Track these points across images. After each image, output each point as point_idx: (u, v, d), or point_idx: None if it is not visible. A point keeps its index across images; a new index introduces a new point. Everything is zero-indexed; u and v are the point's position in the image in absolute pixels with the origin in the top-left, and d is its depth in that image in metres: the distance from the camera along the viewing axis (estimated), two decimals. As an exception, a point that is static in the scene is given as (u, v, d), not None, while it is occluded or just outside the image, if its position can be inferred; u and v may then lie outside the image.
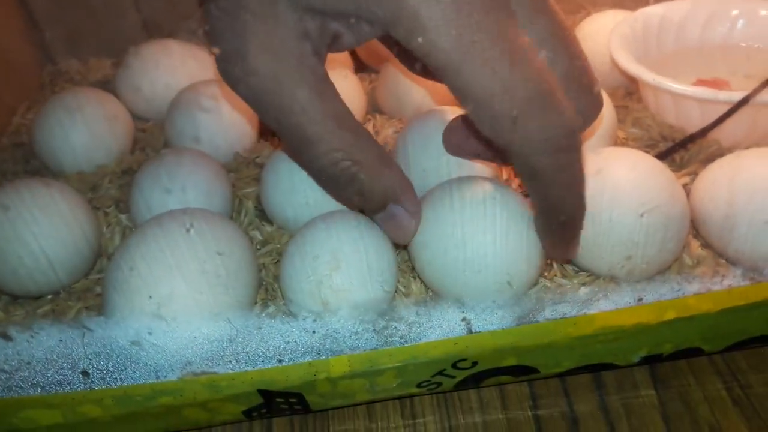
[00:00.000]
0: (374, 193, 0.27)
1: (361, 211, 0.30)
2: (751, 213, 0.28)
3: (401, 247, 0.31)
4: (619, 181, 0.29)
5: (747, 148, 0.34)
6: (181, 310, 0.26)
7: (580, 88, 0.26)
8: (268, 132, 0.43)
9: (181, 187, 0.33)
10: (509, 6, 0.23)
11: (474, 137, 0.30)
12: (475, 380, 0.29)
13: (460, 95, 0.23)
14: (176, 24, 0.53)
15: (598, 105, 0.27)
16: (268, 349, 0.26)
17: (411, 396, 0.31)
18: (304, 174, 0.33)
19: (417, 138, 0.33)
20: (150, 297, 0.26)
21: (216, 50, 0.25)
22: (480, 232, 0.27)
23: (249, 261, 0.29)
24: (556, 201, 0.26)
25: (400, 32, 0.23)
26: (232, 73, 0.25)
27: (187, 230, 0.27)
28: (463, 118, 0.31)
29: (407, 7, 0.22)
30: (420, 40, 0.23)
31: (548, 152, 0.24)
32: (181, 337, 0.26)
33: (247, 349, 0.26)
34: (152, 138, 0.44)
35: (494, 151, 0.30)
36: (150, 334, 0.26)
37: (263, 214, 0.36)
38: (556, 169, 0.25)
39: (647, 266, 0.29)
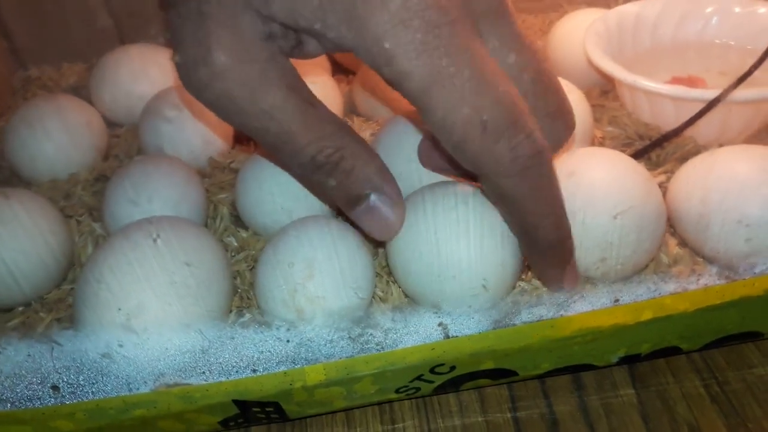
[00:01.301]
0: (354, 180, 0.26)
1: (339, 212, 0.30)
2: (725, 212, 0.28)
3: (380, 246, 0.31)
4: (593, 183, 0.28)
5: (722, 145, 0.34)
6: (151, 321, 0.26)
7: (552, 112, 0.26)
8: (243, 137, 0.43)
9: (150, 196, 0.33)
10: (475, 27, 0.23)
11: (443, 155, 0.30)
12: (454, 384, 0.29)
13: (428, 120, 0.23)
14: (150, 28, 0.53)
15: (569, 127, 0.27)
16: (242, 359, 0.26)
17: (390, 401, 0.30)
18: (279, 178, 0.33)
19: (391, 141, 0.33)
20: (119, 309, 0.25)
21: (177, 58, 0.24)
22: (454, 238, 0.27)
23: (220, 269, 0.29)
24: (531, 225, 0.26)
25: (367, 58, 0.23)
26: (196, 79, 0.24)
27: (154, 240, 0.27)
28: (432, 135, 0.31)
29: (372, 35, 0.22)
30: (386, 69, 0.22)
31: (516, 173, 0.24)
32: (153, 348, 0.25)
33: (221, 360, 0.26)
34: (126, 144, 0.43)
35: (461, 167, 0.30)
36: (120, 346, 0.25)
37: (239, 220, 0.36)
38: (525, 190, 0.24)
39: (622, 267, 0.29)
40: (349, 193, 0.27)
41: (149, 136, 0.40)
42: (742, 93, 0.33)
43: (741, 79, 0.33)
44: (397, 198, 0.28)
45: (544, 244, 0.27)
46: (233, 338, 0.26)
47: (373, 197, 0.27)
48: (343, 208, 0.28)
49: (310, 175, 0.26)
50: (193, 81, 0.24)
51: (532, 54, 0.25)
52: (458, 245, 0.27)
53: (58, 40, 0.53)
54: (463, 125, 0.23)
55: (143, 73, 0.45)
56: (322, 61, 0.47)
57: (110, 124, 0.45)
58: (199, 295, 0.27)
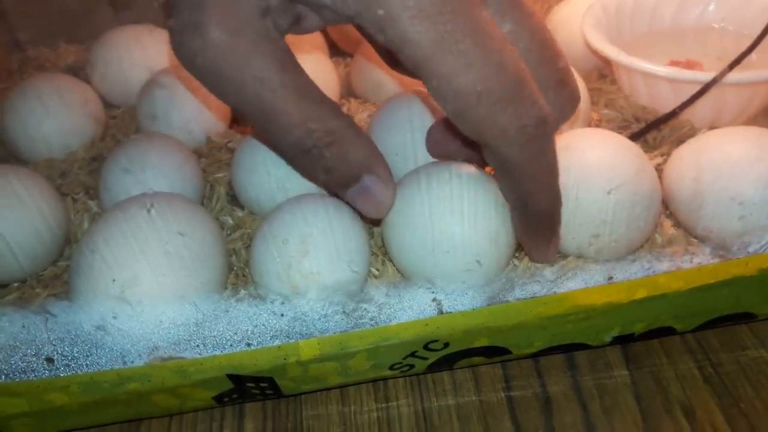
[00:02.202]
0: (347, 163, 0.26)
1: (332, 193, 0.30)
2: (718, 191, 0.28)
3: (374, 224, 0.31)
4: (586, 158, 0.29)
5: (718, 128, 0.34)
6: (146, 293, 0.26)
7: (555, 82, 0.25)
8: (240, 117, 0.43)
9: (147, 174, 0.33)
10: None
11: (454, 139, 0.30)
12: (448, 362, 0.29)
13: (430, 87, 0.23)
14: (148, 9, 0.52)
15: (574, 98, 0.27)
16: (236, 333, 0.26)
17: (384, 379, 0.31)
18: (274, 158, 0.33)
19: (387, 122, 0.33)
20: (113, 280, 0.26)
21: (171, 23, 0.24)
22: (447, 212, 0.27)
23: (214, 243, 0.29)
24: (528, 194, 0.26)
25: (368, 25, 0.22)
26: (188, 46, 0.24)
27: (148, 211, 0.27)
28: (444, 120, 0.31)
29: (375, 0, 0.22)
30: (389, 35, 0.22)
31: (520, 142, 0.24)
32: (147, 321, 0.25)
33: (215, 333, 0.26)
34: (124, 124, 0.43)
35: (476, 152, 0.30)
36: (115, 318, 0.25)
37: (235, 200, 0.36)
38: (527, 159, 0.24)
39: (616, 245, 0.29)
40: (340, 175, 0.27)
41: (146, 116, 0.40)
42: (737, 75, 0.33)
43: (736, 62, 0.33)
44: (388, 178, 0.28)
45: (537, 214, 0.27)
46: (227, 311, 0.26)
47: (365, 179, 0.27)
48: (336, 190, 0.28)
49: (300, 156, 0.26)
50: (184, 49, 0.24)
51: (533, 23, 0.25)
52: (452, 220, 0.27)
53: (56, 20, 0.53)
54: (467, 93, 0.22)
55: (140, 53, 0.45)
56: (320, 43, 0.47)
57: (108, 104, 0.45)
58: (192, 267, 0.27)
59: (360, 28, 0.24)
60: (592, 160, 0.28)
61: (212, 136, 0.40)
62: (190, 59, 0.24)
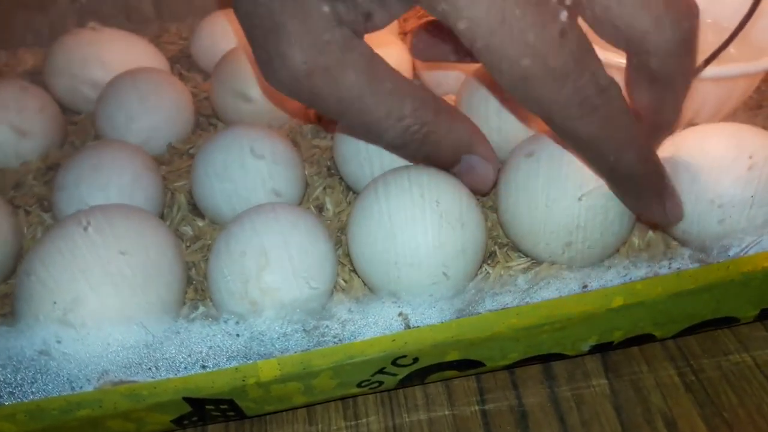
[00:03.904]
0: (446, 148, 0.28)
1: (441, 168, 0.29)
2: (696, 192, 0.27)
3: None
4: (554, 162, 0.27)
5: (696, 124, 0.33)
6: (90, 315, 0.24)
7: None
8: (206, 123, 0.41)
9: (101, 184, 0.31)
10: None
11: (442, 41, 0.30)
12: (419, 376, 0.28)
13: (490, 68, 0.23)
14: (111, 11, 0.51)
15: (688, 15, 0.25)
16: (190, 355, 0.24)
17: (353, 396, 0.29)
18: (233, 164, 0.31)
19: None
20: (54, 303, 0.24)
21: (255, 55, 0.25)
22: (409, 223, 0.26)
23: (165, 259, 0.27)
24: (613, 161, 0.25)
25: (431, 8, 0.22)
26: (279, 77, 0.25)
27: (84, 228, 0.25)
28: (429, 23, 0.31)
29: None
30: (451, 15, 0.22)
31: (586, 114, 0.23)
32: (93, 344, 0.24)
33: (167, 356, 0.24)
34: (83, 131, 0.42)
35: (463, 51, 0.30)
36: (59, 342, 0.24)
37: (197, 209, 0.34)
38: (598, 129, 0.23)
39: (590, 251, 0.28)
40: (440, 160, 0.28)
41: (105, 122, 0.38)
42: (713, 70, 0.32)
43: (712, 57, 0.31)
44: (488, 155, 0.29)
45: (632, 179, 0.26)
46: (178, 333, 0.24)
47: (465, 159, 0.28)
48: (443, 169, 0.29)
49: (400, 149, 0.28)
50: (276, 80, 0.25)
51: None
52: (414, 231, 0.25)
53: (16, 24, 0.51)
54: (525, 70, 0.22)
55: (99, 57, 0.43)
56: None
57: (69, 110, 0.44)
58: (139, 286, 0.25)
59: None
60: (560, 165, 0.27)
61: (174, 142, 0.38)
62: (285, 88, 0.25)
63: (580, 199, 0.26)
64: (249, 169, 0.31)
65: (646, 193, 0.26)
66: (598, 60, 0.23)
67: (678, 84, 0.26)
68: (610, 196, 0.27)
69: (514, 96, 0.23)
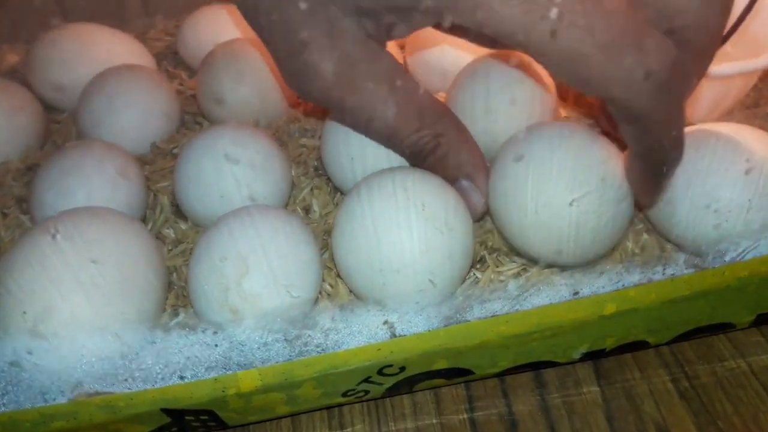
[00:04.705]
0: (449, 166, 0.28)
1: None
2: (691, 197, 0.26)
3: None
4: (544, 166, 0.26)
5: (691, 124, 0.32)
6: (62, 325, 0.23)
7: None
8: (192, 121, 0.40)
9: (81, 186, 0.30)
10: None
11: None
12: (407, 385, 0.27)
13: (539, 60, 0.22)
14: (96, 7, 0.49)
15: None
16: (167, 366, 0.23)
17: (339, 405, 0.28)
18: (217, 165, 0.30)
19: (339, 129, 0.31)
20: (24, 313, 0.23)
21: (284, 68, 0.26)
22: (394, 228, 0.25)
23: (141, 266, 0.26)
24: (658, 141, 0.24)
25: (464, 20, 0.22)
26: (311, 89, 0.26)
27: (53, 237, 0.24)
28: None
29: None
30: (487, 21, 0.22)
31: (651, 91, 0.22)
32: (66, 355, 0.23)
33: (143, 366, 0.23)
34: (66, 131, 0.41)
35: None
36: (30, 353, 0.23)
37: (180, 211, 0.33)
38: (659, 105, 0.23)
39: (581, 257, 0.27)
40: (442, 174, 0.28)
41: (87, 121, 0.37)
42: (711, 69, 0.31)
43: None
44: (484, 186, 0.29)
45: (660, 161, 0.25)
46: (154, 343, 0.24)
47: (463, 183, 0.28)
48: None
49: (410, 158, 0.29)
50: (305, 91, 0.26)
51: None
52: (399, 236, 0.25)
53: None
54: (581, 55, 0.21)
55: (83, 54, 0.42)
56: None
57: (52, 109, 0.43)
58: (111, 295, 0.24)
59: (455, 26, 0.24)
60: (549, 169, 0.26)
61: (158, 142, 0.37)
62: (314, 98, 0.26)
63: (571, 204, 0.25)
64: (224, 174, 0.30)
65: (659, 177, 0.26)
66: (659, 34, 0.22)
67: (705, 58, 0.24)
68: (603, 200, 0.26)
69: (570, 80, 0.22)
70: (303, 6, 0.24)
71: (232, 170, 0.30)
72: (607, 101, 0.23)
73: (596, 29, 0.21)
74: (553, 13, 0.21)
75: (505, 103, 0.31)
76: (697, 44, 0.23)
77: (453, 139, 0.28)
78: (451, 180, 0.28)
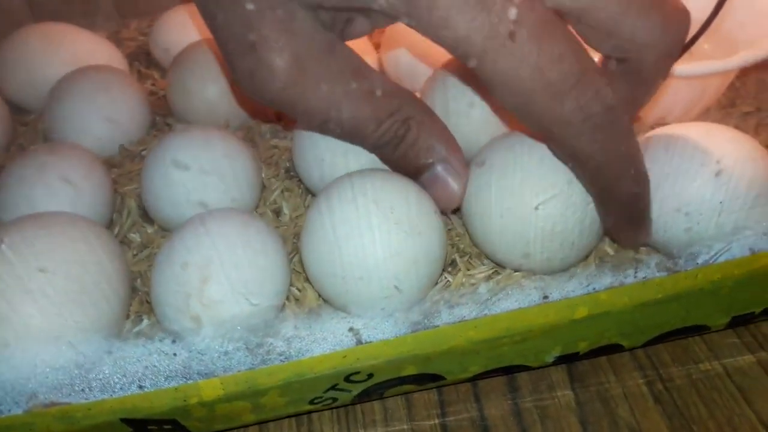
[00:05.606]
0: (421, 150, 0.27)
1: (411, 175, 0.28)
2: (661, 200, 0.26)
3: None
4: (507, 170, 0.26)
5: (667, 124, 0.32)
6: (13, 336, 0.22)
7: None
8: (162, 123, 0.39)
9: (43, 190, 0.30)
10: None
11: None
12: (377, 392, 0.26)
13: (489, 85, 0.22)
14: (67, 6, 0.49)
15: (679, 15, 0.23)
16: (125, 375, 0.23)
17: (307, 413, 0.28)
18: (156, 175, 0.29)
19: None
20: (-27, 324, 0.22)
21: (238, 69, 0.24)
22: (355, 235, 0.24)
23: (95, 273, 0.25)
24: (610, 180, 0.24)
25: (420, 26, 0.22)
26: (266, 88, 0.24)
27: None
28: None
29: (425, 1, 0.21)
30: (442, 32, 0.21)
31: (588, 132, 0.22)
32: (19, 365, 0.22)
33: (100, 376, 0.23)
34: (33, 132, 0.40)
35: None
36: (-20, 364, 0.22)
37: (147, 214, 0.32)
38: (600, 147, 0.23)
39: (549, 262, 0.26)
40: (414, 161, 0.27)
41: (53, 123, 0.36)
42: (685, 68, 0.31)
43: (683, 51, 0.30)
44: (461, 169, 0.27)
45: (623, 201, 0.25)
46: (111, 352, 0.23)
47: (438, 167, 0.27)
48: (410, 176, 0.27)
49: (379, 150, 0.27)
50: (258, 91, 0.25)
51: None
52: (361, 243, 0.24)
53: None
54: (525, 89, 0.21)
55: (52, 54, 0.41)
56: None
57: (20, 110, 0.42)
58: (63, 304, 0.23)
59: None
60: (513, 172, 0.25)
61: (127, 144, 0.37)
62: (269, 98, 0.25)
63: (536, 208, 0.25)
64: (173, 180, 0.30)
65: (632, 215, 0.26)
66: (603, 78, 0.22)
67: (657, 80, 0.25)
68: (569, 204, 0.25)
69: (513, 111, 0.23)
70: (255, 2, 0.23)
71: (182, 177, 0.29)
72: (548, 139, 0.24)
73: (545, 69, 0.21)
74: (508, 27, 0.21)
75: (465, 106, 0.31)
76: (650, 72, 0.24)
77: (422, 120, 0.27)
78: (425, 167, 0.27)
